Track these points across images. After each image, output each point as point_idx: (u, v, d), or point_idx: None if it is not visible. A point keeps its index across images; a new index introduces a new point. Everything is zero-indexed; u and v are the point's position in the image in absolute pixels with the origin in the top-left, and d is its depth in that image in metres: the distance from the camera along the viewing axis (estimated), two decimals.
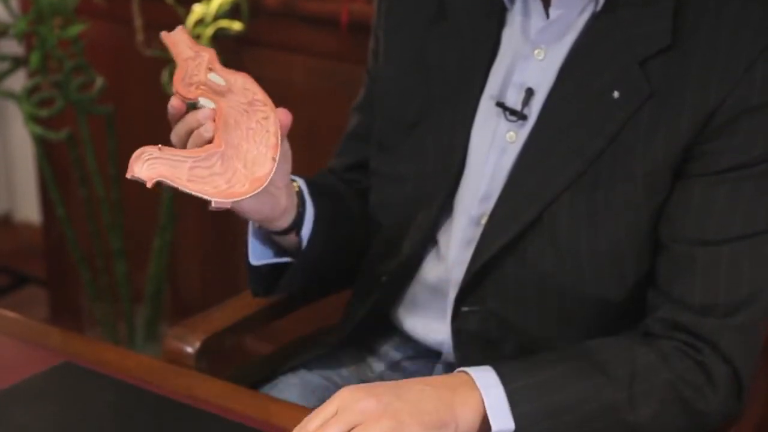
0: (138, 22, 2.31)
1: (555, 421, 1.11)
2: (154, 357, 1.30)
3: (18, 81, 2.52)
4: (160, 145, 1.07)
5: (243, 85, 1.12)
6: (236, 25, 2.25)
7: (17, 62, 2.32)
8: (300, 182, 1.27)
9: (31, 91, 2.28)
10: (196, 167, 1.07)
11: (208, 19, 2.21)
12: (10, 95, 2.30)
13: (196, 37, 2.23)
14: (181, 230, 2.56)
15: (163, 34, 1.15)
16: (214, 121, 1.09)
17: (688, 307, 1.16)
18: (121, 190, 2.45)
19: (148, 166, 1.05)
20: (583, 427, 1.12)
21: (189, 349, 1.37)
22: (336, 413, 1.05)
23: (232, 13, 2.25)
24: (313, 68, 2.28)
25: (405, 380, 1.11)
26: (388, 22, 1.34)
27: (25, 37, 2.38)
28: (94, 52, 2.40)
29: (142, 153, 1.05)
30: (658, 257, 1.19)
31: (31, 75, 2.42)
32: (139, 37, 2.32)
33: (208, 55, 1.14)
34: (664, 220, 1.18)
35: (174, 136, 1.12)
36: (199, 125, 1.09)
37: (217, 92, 1.12)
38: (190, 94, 1.11)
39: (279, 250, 1.30)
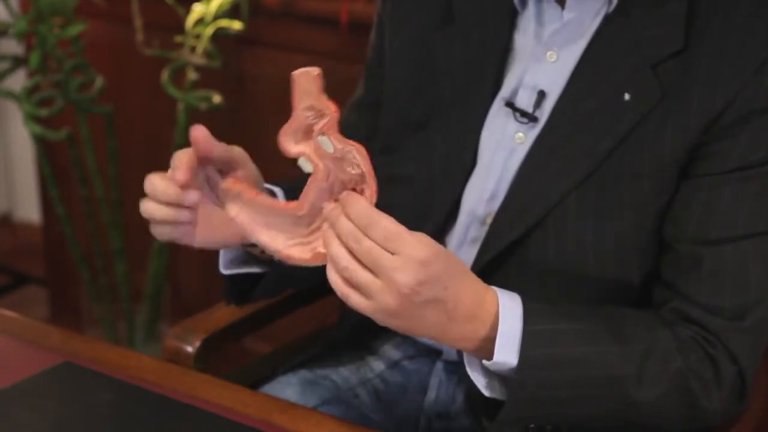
0: (138, 22, 2.31)
1: (555, 372, 1.11)
2: (154, 357, 1.29)
3: (18, 81, 2.52)
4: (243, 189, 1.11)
5: (353, 158, 1.06)
6: (236, 25, 2.24)
7: (17, 62, 2.32)
8: (277, 191, 1.25)
9: (31, 91, 2.28)
10: (272, 216, 1.10)
11: (208, 18, 2.21)
12: (10, 95, 2.30)
13: (196, 37, 2.23)
14: None
15: (295, 74, 1.05)
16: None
17: (696, 305, 1.16)
18: (121, 189, 2.45)
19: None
20: (580, 389, 1.12)
21: (189, 349, 1.38)
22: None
23: (232, 12, 2.25)
24: None
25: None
26: (392, 23, 1.34)
27: (25, 37, 2.38)
28: (93, 52, 2.40)
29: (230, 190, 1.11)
30: (663, 257, 1.19)
31: (31, 75, 2.42)
32: (139, 37, 2.31)
33: (330, 117, 1.06)
34: (669, 220, 1.18)
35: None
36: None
37: (321, 156, 1.07)
38: (293, 149, 1.08)
39: (251, 259, 1.28)
